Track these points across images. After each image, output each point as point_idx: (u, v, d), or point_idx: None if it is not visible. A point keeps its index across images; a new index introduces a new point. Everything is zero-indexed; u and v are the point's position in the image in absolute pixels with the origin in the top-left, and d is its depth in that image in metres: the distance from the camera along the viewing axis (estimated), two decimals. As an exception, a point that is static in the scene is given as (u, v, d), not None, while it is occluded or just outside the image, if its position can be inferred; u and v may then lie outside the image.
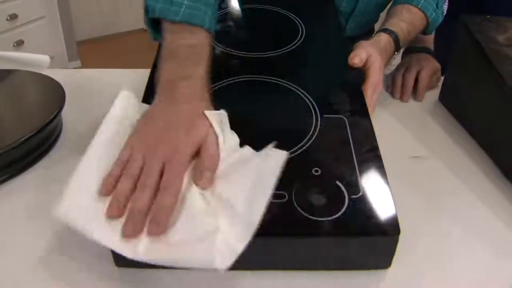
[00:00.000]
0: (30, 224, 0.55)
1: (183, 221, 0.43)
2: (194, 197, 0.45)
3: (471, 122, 0.75)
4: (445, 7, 0.89)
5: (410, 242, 0.50)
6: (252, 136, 0.55)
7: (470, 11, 0.81)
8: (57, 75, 0.76)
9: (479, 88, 0.72)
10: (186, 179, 0.47)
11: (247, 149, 0.50)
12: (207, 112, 0.51)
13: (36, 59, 0.86)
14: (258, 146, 0.51)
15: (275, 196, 0.46)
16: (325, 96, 0.61)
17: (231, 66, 0.66)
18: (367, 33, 1.03)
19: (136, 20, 3.63)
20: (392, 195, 0.49)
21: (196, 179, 0.47)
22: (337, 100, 0.61)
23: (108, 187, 0.46)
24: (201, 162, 0.48)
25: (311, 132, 0.56)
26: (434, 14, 0.83)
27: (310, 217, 0.46)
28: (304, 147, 0.53)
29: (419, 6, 0.81)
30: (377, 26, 0.90)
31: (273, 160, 0.47)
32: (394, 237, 0.45)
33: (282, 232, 0.45)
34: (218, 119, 0.51)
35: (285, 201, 0.47)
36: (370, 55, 0.69)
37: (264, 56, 0.67)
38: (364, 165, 0.52)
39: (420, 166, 0.67)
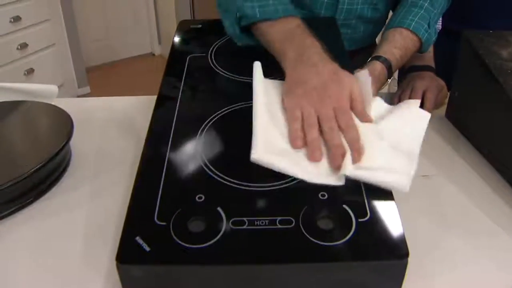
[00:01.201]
0: (41, 253, 0.55)
1: (369, 152, 0.54)
2: (367, 133, 0.56)
3: (478, 138, 0.75)
4: (439, 25, 0.90)
5: (420, 263, 0.50)
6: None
7: (464, 25, 0.81)
8: (66, 104, 0.77)
9: (485, 104, 0.72)
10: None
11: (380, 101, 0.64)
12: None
13: (44, 90, 0.87)
14: (262, 171, 0.52)
15: (281, 222, 0.47)
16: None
17: (236, 91, 0.67)
18: (368, 47, 1.04)
19: (143, 44, 3.69)
20: (400, 217, 0.49)
21: (360, 117, 0.58)
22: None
23: (300, 139, 0.56)
24: (356, 105, 0.59)
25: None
26: (426, 34, 0.84)
27: (318, 242, 0.45)
28: (310, 171, 0.53)
29: (410, 29, 0.83)
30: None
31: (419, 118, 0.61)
32: (403, 260, 0.45)
33: (290, 259, 0.45)
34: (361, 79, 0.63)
35: (292, 226, 0.47)
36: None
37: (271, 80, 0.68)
38: (371, 188, 0.51)
39: (428, 185, 0.66)
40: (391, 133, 0.58)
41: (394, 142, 0.57)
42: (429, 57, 0.95)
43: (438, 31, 0.99)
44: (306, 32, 0.68)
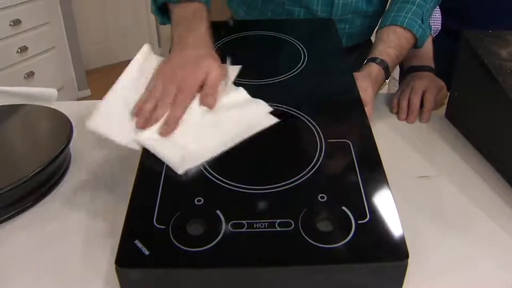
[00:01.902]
0: (41, 257, 0.55)
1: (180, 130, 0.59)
2: (193, 114, 0.61)
3: (478, 137, 0.75)
4: (439, 25, 0.90)
5: (420, 263, 0.50)
6: (257, 162, 0.56)
7: (463, 25, 0.81)
8: (65, 107, 0.77)
9: (484, 104, 0.72)
10: (193, 103, 0.62)
11: (244, 94, 0.65)
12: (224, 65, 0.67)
13: (44, 93, 0.87)
14: (261, 174, 0.52)
15: (280, 224, 0.46)
16: (328, 121, 0.62)
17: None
18: (364, 43, 1.04)
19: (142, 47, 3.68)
20: (399, 218, 0.48)
21: (202, 100, 0.62)
22: (341, 124, 0.62)
23: (140, 106, 0.62)
24: (204, 87, 0.63)
25: (316, 157, 0.56)
26: (420, 30, 0.84)
27: (318, 244, 0.45)
28: (310, 173, 0.53)
29: (404, 26, 0.83)
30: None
31: (260, 116, 0.61)
32: (403, 261, 0.45)
33: (289, 261, 0.45)
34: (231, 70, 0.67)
35: (291, 229, 0.47)
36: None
37: (267, 82, 0.68)
38: (370, 189, 0.51)
39: (428, 185, 0.66)
40: (222, 119, 0.61)
41: (214, 124, 0.61)
42: (428, 58, 0.95)
43: (438, 31, 0.99)
44: (197, 17, 0.73)
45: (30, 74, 2.57)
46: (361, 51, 0.96)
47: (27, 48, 2.51)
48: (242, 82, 0.68)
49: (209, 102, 0.62)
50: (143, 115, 0.60)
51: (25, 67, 2.54)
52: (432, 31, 0.97)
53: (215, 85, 0.63)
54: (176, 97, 0.62)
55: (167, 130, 0.59)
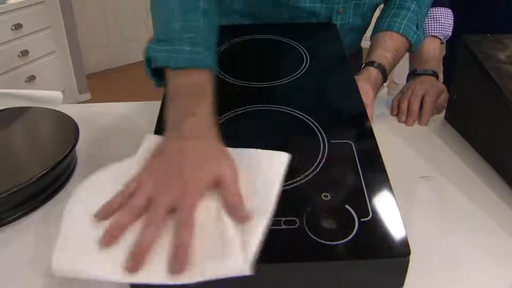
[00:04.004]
0: (47, 258, 0.55)
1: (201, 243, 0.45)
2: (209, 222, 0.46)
3: (477, 139, 0.76)
4: (450, 27, 0.91)
5: (421, 261, 0.51)
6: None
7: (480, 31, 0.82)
8: (70, 110, 0.78)
9: (483, 106, 0.73)
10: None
11: (249, 152, 0.53)
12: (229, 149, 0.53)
13: (49, 96, 0.88)
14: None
15: (286, 222, 0.47)
16: (331, 122, 0.63)
17: (237, 97, 0.68)
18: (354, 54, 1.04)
19: (143, 51, 3.69)
20: (401, 217, 0.49)
21: (231, 216, 0.47)
22: (343, 125, 0.63)
23: (105, 215, 0.46)
24: (225, 200, 0.48)
25: (319, 158, 0.57)
26: (415, 36, 0.87)
27: (322, 241, 0.46)
28: (313, 173, 0.54)
29: (400, 32, 0.86)
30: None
31: (276, 162, 0.52)
32: (405, 258, 0.46)
33: (294, 258, 0.46)
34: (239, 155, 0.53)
35: (296, 227, 0.48)
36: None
37: (270, 85, 0.69)
38: (372, 188, 0.52)
39: (428, 185, 0.67)
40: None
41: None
42: (434, 62, 0.96)
43: (448, 37, 1.00)
44: (200, 93, 0.57)
45: (31, 78, 2.58)
46: (351, 60, 0.97)
47: (28, 52, 2.52)
48: (245, 85, 0.69)
49: (244, 219, 0.46)
50: (112, 232, 0.45)
51: (26, 71, 2.55)
52: (443, 37, 0.98)
53: (237, 193, 0.48)
54: (179, 213, 0.46)
55: (180, 268, 0.42)
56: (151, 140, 0.55)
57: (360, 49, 1.06)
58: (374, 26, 0.92)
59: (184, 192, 0.47)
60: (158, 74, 0.62)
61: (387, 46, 0.85)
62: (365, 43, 0.98)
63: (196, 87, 0.57)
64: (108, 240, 0.44)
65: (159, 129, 0.62)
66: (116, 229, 0.45)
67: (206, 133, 0.53)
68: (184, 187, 0.47)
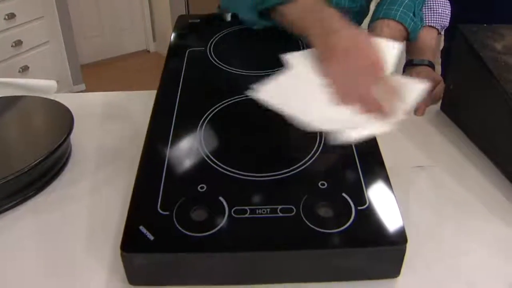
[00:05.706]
0: (44, 246, 0.56)
1: None
2: None
3: (473, 129, 0.76)
4: (447, 17, 0.91)
5: (417, 250, 0.51)
6: (258, 151, 0.57)
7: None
8: (65, 99, 0.78)
9: (479, 96, 0.73)
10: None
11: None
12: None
13: (43, 85, 0.87)
14: (263, 161, 0.52)
15: (283, 210, 0.48)
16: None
17: (235, 84, 0.68)
18: None
19: (137, 41, 3.68)
20: (398, 205, 0.50)
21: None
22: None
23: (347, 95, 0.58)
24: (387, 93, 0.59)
25: (316, 146, 0.57)
26: (412, 23, 0.86)
27: (319, 229, 0.46)
28: (310, 161, 0.54)
29: (396, 19, 0.84)
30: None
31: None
32: (402, 246, 0.46)
33: (291, 246, 0.46)
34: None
35: (293, 215, 0.48)
36: None
37: (269, 73, 0.69)
38: (369, 177, 0.53)
39: (424, 175, 0.68)
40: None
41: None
42: (430, 52, 0.96)
43: (446, 27, 1.00)
44: (324, 5, 0.69)
45: (25, 68, 2.56)
46: None
47: (21, 42, 2.50)
48: (244, 73, 0.69)
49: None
50: (367, 100, 0.58)
51: (19, 61, 2.54)
52: (440, 27, 0.98)
53: (393, 85, 0.61)
54: (361, 89, 0.59)
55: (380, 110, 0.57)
56: (295, 55, 0.67)
57: None
58: (372, 15, 0.92)
59: (368, 59, 0.60)
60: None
61: (384, 34, 0.84)
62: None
63: (316, 5, 0.69)
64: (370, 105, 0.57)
65: (155, 116, 0.62)
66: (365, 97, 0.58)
67: (348, 24, 0.64)
68: (366, 57, 0.60)
